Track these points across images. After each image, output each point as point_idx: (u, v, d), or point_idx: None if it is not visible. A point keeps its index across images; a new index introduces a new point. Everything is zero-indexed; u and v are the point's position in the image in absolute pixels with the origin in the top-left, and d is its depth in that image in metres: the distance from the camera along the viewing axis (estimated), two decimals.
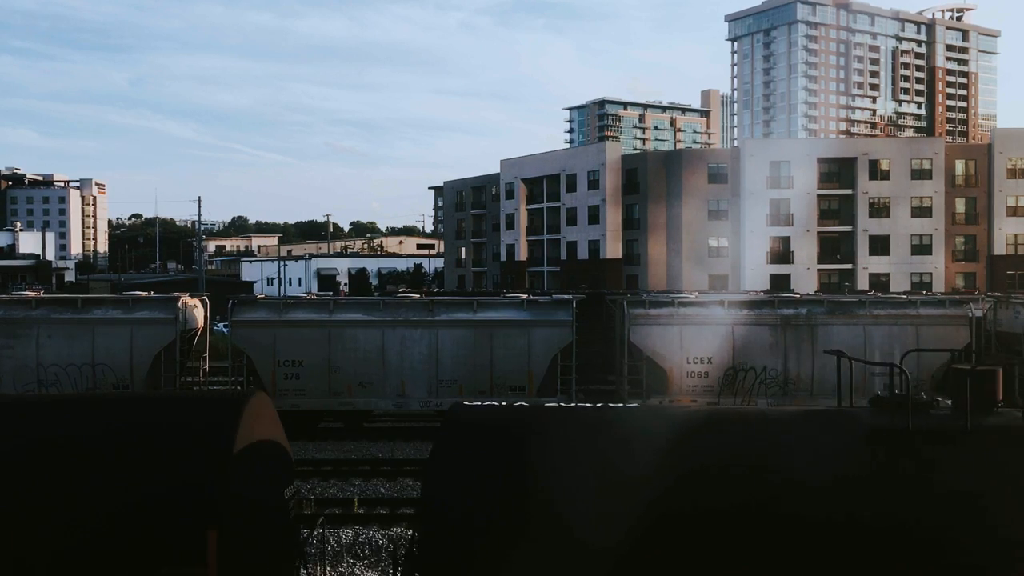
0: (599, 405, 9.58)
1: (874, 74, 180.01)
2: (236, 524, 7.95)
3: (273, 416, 9.16)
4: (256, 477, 8.43)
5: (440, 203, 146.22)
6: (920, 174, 67.20)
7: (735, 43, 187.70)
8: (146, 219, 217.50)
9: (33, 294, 26.71)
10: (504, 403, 9.77)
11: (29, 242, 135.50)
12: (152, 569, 7.72)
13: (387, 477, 20.05)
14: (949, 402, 9.12)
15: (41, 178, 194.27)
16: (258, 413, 8.76)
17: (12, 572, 7.76)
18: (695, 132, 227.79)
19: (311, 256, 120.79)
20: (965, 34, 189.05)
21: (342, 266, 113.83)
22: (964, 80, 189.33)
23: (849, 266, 67.79)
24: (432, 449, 8.84)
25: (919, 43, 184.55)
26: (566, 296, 25.96)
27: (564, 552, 7.90)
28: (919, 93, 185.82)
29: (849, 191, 67.67)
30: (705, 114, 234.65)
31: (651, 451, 8.25)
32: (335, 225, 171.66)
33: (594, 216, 74.06)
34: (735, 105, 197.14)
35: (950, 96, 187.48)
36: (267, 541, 8.50)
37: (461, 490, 8.16)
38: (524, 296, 26.29)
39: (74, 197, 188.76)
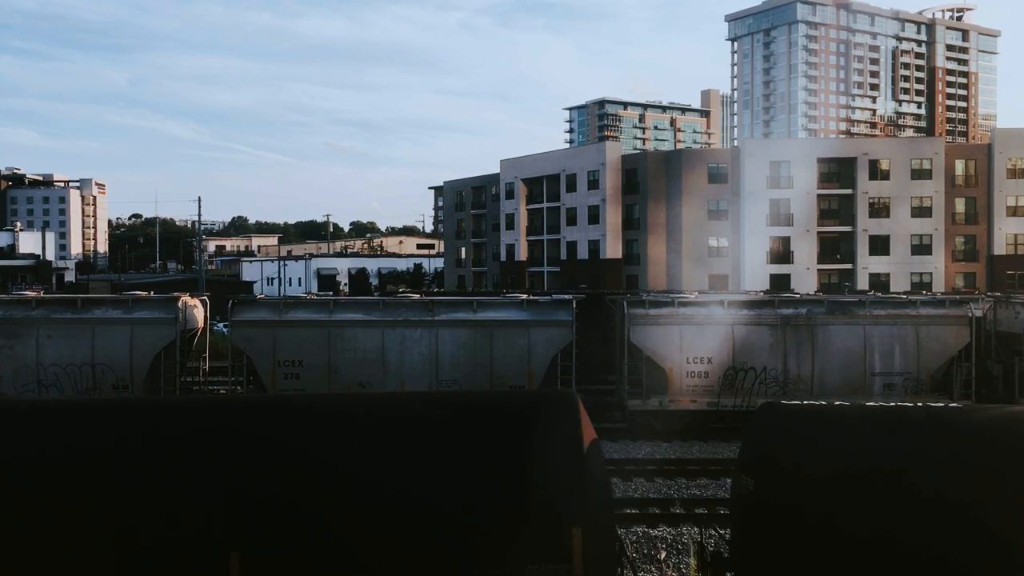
0: (917, 404, 9.14)
1: (874, 74, 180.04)
2: (594, 522, 7.93)
3: (586, 414, 9.16)
4: (598, 475, 8.40)
5: (440, 203, 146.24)
6: (920, 174, 67.17)
7: (735, 43, 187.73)
8: (146, 219, 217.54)
9: (33, 294, 26.63)
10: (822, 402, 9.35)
11: (29, 242, 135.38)
12: (520, 567, 7.74)
13: None
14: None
15: (41, 178, 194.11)
16: (583, 411, 8.69)
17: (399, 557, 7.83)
18: (695, 132, 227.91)
19: (311, 256, 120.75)
20: (965, 34, 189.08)
21: (342, 266, 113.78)
22: (964, 80, 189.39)
23: (849, 266, 67.75)
24: (745, 447, 8.42)
25: (919, 43, 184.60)
26: (566, 296, 25.87)
27: (887, 560, 7.52)
28: (919, 93, 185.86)
29: (849, 191, 67.64)
30: (705, 114, 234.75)
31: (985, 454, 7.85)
32: (335, 225, 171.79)
33: (594, 216, 74.03)
34: (735, 105, 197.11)
35: (950, 96, 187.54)
36: (610, 538, 8.49)
37: (786, 489, 7.76)
38: (524, 296, 26.20)
39: (74, 197, 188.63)
